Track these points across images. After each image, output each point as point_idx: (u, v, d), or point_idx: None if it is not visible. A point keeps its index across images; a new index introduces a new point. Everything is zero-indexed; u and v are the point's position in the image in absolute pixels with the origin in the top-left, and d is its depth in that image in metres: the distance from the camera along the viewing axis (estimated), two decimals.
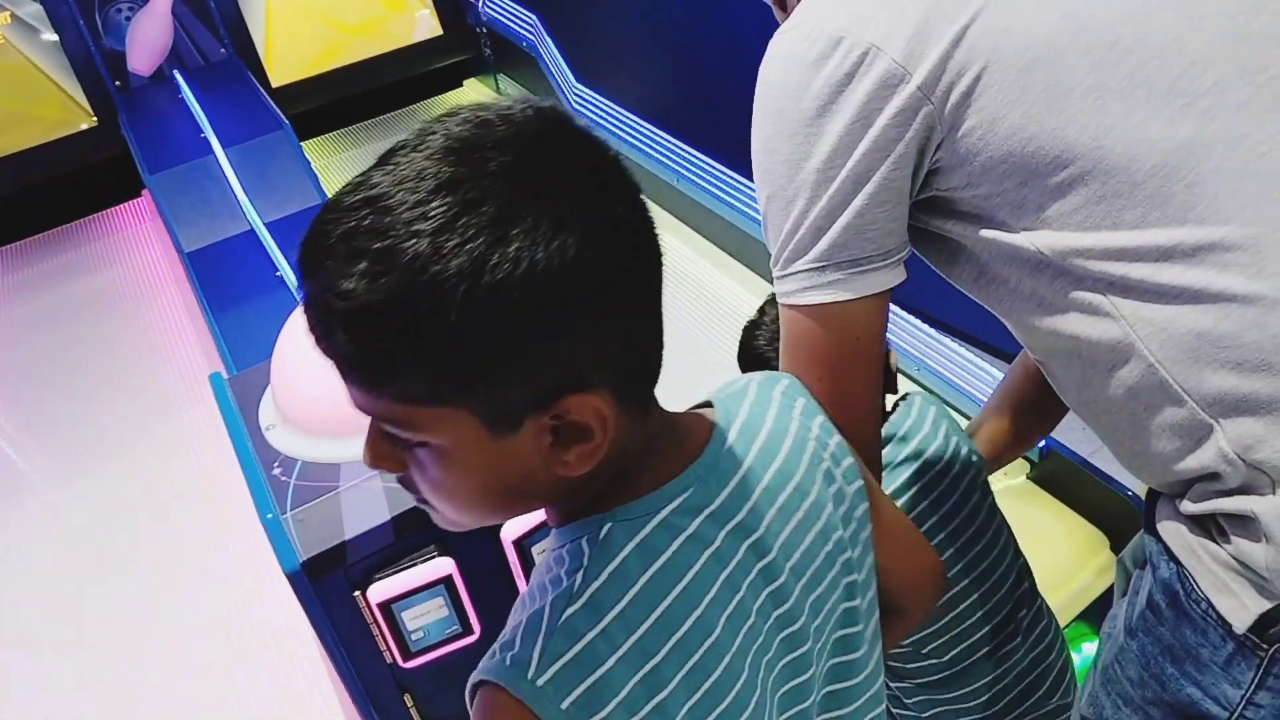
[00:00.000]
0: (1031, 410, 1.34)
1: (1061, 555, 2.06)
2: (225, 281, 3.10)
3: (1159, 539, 0.92)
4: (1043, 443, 2.23)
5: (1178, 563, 0.88)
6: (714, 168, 3.32)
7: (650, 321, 0.67)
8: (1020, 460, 2.28)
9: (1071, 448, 2.22)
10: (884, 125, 0.85)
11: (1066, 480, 2.25)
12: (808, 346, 0.95)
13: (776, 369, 1.33)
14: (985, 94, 0.84)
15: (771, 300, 1.41)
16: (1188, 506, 0.88)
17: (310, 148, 4.06)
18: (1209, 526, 0.87)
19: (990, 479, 1.36)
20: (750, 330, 1.36)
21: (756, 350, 1.33)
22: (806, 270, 0.91)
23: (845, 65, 0.85)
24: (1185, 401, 0.83)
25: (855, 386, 0.96)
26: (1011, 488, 2.29)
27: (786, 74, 0.89)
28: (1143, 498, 2.11)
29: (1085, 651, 1.93)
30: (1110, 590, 2.00)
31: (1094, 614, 2.01)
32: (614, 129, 3.82)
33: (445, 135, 0.62)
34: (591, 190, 0.63)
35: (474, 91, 4.92)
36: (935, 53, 0.84)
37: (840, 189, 0.88)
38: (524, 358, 0.61)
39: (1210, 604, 0.85)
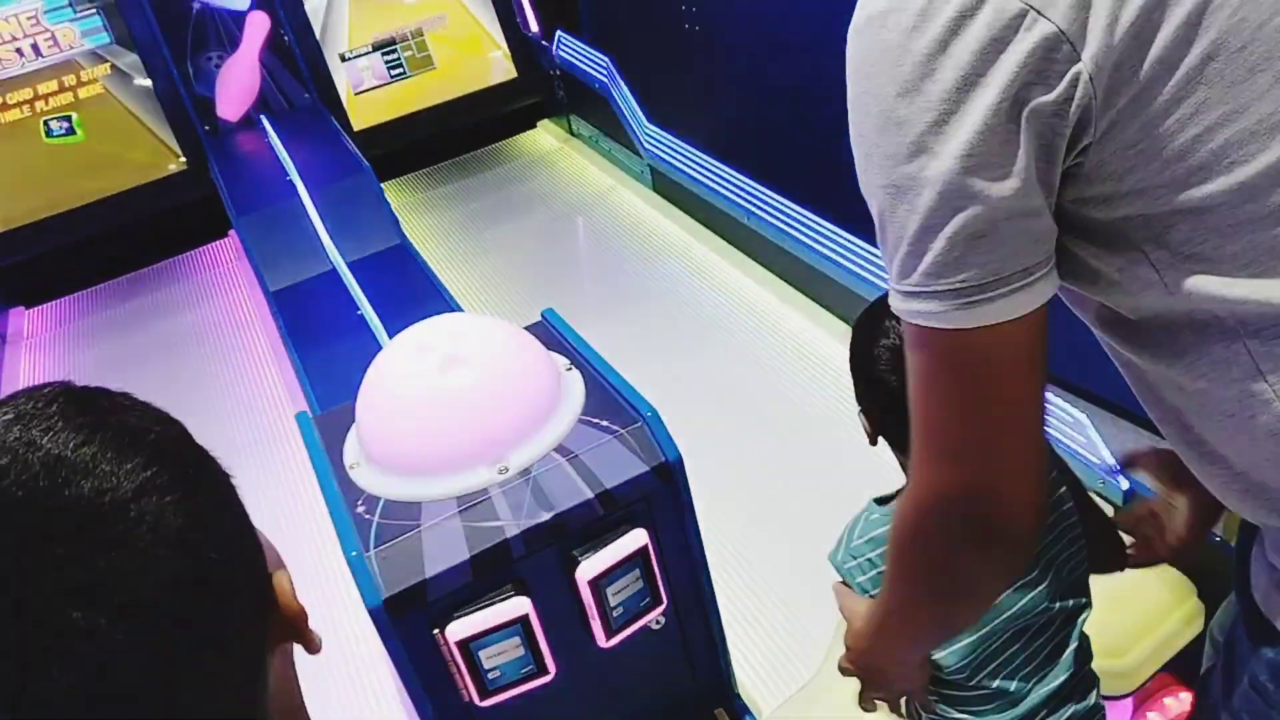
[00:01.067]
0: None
1: (1147, 602, 2.00)
2: (309, 321, 3.19)
3: (1263, 618, 0.87)
4: (1126, 485, 2.18)
5: None
6: (785, 205, 3.33)
7: None
8: (1102, 502, 2.23)
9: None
10: (1043, 107, 0.68)
11: None
12: (959, 381, 0.77)
13: (894, 396, 1.16)
14: (1159, 96, 0.69)
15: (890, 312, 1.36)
16: None
17: (390, 188, 4.17)
18: None
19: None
20: (868, 345, 1.19)
21: (877, 375, 1.18)
22: (955, 288, 0.72)
23: (995, 27, 0.67)
24: None
25: (1024, 419, 0.78)
26: None
27: (912, 34, 0.69)
28: (1232, 544, 2.04)
29: (1180, 700, 1.87)
30: (1197, 640, 1.95)
31: (1180, 663, 1.95)
32: (686, 168, 3.87)
33: None
34: None
35: (548, 132, 5.01)
36: (1114, 31, 0.67)
37: (998, 184, 0.69)
38: None
39: None
